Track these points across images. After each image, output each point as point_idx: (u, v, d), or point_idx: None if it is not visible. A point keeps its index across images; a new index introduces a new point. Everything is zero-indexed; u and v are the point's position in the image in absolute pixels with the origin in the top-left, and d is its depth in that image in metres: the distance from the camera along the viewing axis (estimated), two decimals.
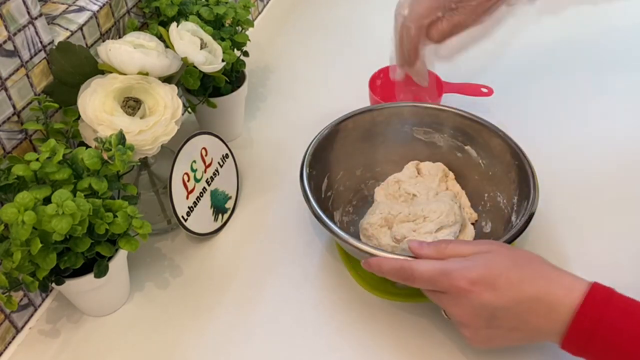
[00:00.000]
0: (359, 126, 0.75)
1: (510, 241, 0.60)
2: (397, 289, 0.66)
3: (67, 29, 0.64)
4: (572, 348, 0.51)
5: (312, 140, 0.71)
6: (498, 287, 0.52)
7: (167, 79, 0.65)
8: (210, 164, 0.73)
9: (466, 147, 0.74)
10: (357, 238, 0.69)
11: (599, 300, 0.49)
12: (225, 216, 0.75)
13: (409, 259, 0.57)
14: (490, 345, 0.56)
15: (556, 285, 0.51)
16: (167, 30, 0.66)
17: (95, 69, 0.63)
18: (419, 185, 0.73)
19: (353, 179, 0.77)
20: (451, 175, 0.75)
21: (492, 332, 0.54)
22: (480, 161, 0.73)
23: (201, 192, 0.71)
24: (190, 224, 0.69)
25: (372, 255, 0.59)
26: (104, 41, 0.68)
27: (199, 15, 0.76)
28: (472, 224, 0.72)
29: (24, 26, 0.57)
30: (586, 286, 0.51)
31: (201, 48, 0.67)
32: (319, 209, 0.63)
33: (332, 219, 0.63)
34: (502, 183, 0.70)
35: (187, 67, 0.68)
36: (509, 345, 0.56)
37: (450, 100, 0.82)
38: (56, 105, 0.60)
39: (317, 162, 0.71)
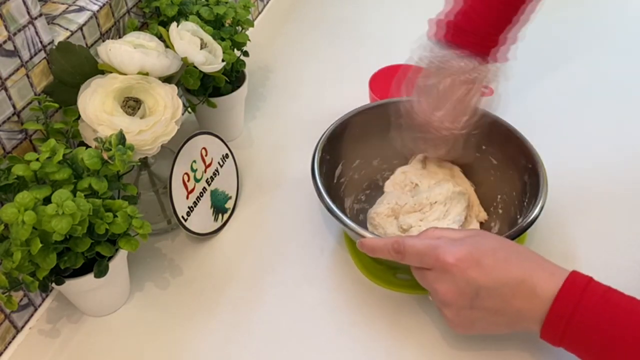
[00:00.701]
0: (380, 117, 0.75)
1: (512, 238, 0.60)
2: (400, 280, 0.67)
3: (67, 29, 0.64)
4: (551, 335, 0.52)
5: (329, 126, 0.72)
6: (484, 265, 0.52)
7: (167, 79, 0.65)
8: (210, 164, 0.73)
9: (484, 147, 0.74)
10: (365, 226, 0.70)
11: (577, 286, 0.50)
12: (225, 216, 0.75)
13: (402, 236, 0.58)
14: (471, 329, 0.56)
15: (539, 269, 0.52)
16: (167, 30, 0.66)
17: (95, 69, 0.63)
18: (422, 176, 0.73)
19: (369, 168, 0.77)
20: (456, 169, 0.75)
21: (474, 313, 0.54)
22: (497, 162, 0.73)
23: (201, 192, 0.71)
24: (190, 224, 0.69)
25: (364, 237, 0.60)
26: (104, 41, 0.68)
27: (199, 15, 0.76)
28: (481, 223, 0.72)
29: (24, 26, 0.57)
30: (566, 273, 0.52)
31: (201, 48, 0.67)
32: (327, 194, 0.64)
33: (342, 205, 0.64)
34: (516, 185, 0.70)
35: (187, 67, 0.68)
36: (490, 332, 0.56)
37: None
38: (56, 105, 0.60)
39: (333, 147, 0.71)
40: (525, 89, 0.92)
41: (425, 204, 0.70)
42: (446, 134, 0.69)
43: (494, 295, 0.52)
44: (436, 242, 0.55)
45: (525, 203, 0.66)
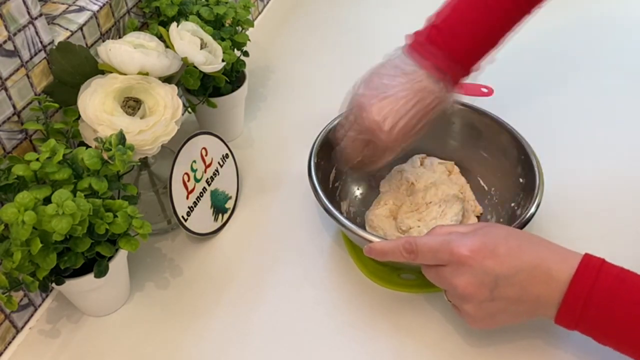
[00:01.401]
0: None
1: None
2: (403, 280, 0.67)
3: (67, 29, 0.64)
4: (567, 318, 0.52)
5: (321, 131, 0.72)
6: (498, 253, 0.52)
7: (167, 79, 0.65)
8: (210, 164, 0.73)
9: (475, 141, 0.74)
10: (364, 229, 0.70)
11: (592, 268, 0.51)
12: (225, 216, 0.75)
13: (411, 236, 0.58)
14: (491, 322, 0.55)
15: (552, 253, 0.53)
16: (167, 30, 0.66)
17: (95, 69, 0.63)
18: (418, 174, 0.73)
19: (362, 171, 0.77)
20: (456, 169, 0.76)
21: (495, 305, 0.53)
22: (488, 155, 0.73)
23: (201, 192, 0.71)
24: (190, 224, 0.69)
25: (369, 241, 0.60)
26: (104, 41, 0.68)
27: (199, 15, 0.76)
28: (477, 217, 0.72)
29: (24, 26, 0.57)
30: (579, 256, 0.52)
31: (201, 48, 0.67)
32: (325, 198, 0.64)
33: (339, 209, 0.64)
34: (509, 178, 0.70)
35: (187, 67, 0.68)
36: (509, 322, 0.55)
37: None
38: (56, 105, 0.60)
39: (326, 152, 0.71)
40: (523, 87, 0.92)
41: (422, 203, 0.70)
42: (380, 142, 0.65)
43: (513, 283, 0.52)
44: (448, 237, 0.55)
45: (521, 195, 0.67)
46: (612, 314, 0.50)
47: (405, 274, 0.67)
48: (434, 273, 0.56)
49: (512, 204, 0.68)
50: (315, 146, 0.70)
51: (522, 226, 0.61)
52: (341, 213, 0.63)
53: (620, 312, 0.49)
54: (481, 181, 0.74)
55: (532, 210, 0.62)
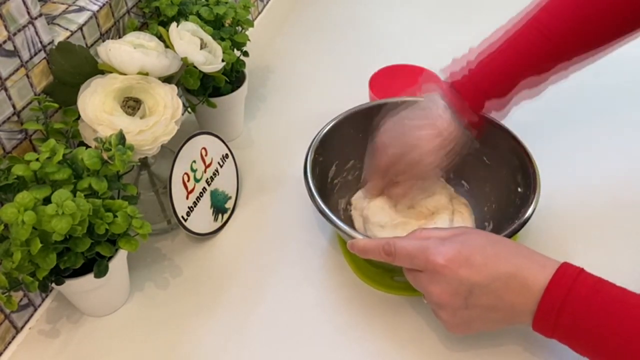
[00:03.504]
0: (372, 117, 0.75)
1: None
2: (397, 283, 0.67)
3: (67, 29, 0.64)
4: (543, 327, 0.52)
5: (322, 128, 0.72)
6: (474, 263, 0.52)
7: (167, 79, 0.65)
8: (210, 164, 0.73)
9: (477, 147, 0.73)
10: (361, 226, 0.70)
11: (568, 277, 0.50)
12: (225, 216, 0.75)
13: (392, 237, 0.58)
14: (467, 329, 0.56)
15: (530, 262, 0.52)
16: (167, 30, 0.66)
17: (95, 69, 0.64)
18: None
19: (362, 169, 0.77)
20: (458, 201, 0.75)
21: (469, 312, 0.54)
22: (490, 162, 0.73)
23: (201, 192, 0.71)
24: (190, 224, 0.69)
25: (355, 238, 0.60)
26: (104, 41, 0.68)
27: (199, 15, 0.76)
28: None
29: (24, 26, 0.57)
30: (557, 264, 0.52)
31: (201, 48, 0.67)
32: (320, 198, 0.64)
33: (336, 206, 0.63)
34: (509, 185, 0.70)
35: (187, 67, 0.68)
36: (487, 329, 0.56)
37: None
38: (56, 105, 0.60)
39: (326, 148, 0.71)
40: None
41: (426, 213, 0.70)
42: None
43: (487, 292, 0.52)
44: (425, 243, 0.55)
45: (518, 202, 0.67)
46: (586, 324, 0.49)
47: (398, 277, 0.67)
48: (411, 277, 0.57)
49: (510, 211, 0.68)
50: (314, 142, 0.70)
51: (514, 232, 0.60)
52: (337, 211, 0.62)
53: (594, 322, 0.49)
54: (481, 187, 0.74)
55: (525, 217, 0.61)
